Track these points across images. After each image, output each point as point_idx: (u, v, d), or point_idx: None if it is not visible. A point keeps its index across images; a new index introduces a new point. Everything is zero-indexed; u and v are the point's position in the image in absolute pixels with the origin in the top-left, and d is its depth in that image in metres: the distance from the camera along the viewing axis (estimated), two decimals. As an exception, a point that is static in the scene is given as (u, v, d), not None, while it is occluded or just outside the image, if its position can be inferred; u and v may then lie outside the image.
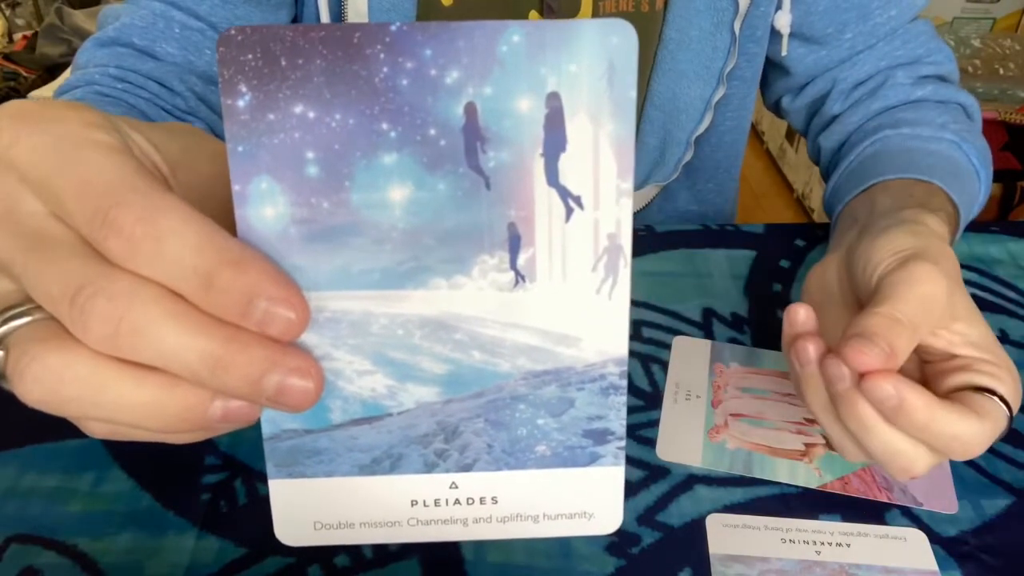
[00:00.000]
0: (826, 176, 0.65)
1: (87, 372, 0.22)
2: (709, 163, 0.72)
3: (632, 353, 0.48)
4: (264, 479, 0.42)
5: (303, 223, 0.23)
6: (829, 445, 0.44)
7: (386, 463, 0.27)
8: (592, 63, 0.22)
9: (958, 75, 0.66)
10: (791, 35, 0.64)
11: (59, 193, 0.22)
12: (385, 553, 0.39)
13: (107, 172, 0.22)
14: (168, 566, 0.38)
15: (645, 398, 0.48)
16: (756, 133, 2.44)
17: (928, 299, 0.36)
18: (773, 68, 0.69)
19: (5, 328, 0.24)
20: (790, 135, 2.24)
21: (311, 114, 0.22)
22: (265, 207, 0.23)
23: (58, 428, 0.44)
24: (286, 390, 0.23)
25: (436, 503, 0.27)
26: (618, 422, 0.27)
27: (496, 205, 0.24)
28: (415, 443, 0.26)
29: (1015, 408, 0.36)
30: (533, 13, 0.60)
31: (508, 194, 0.24)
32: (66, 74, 1.29)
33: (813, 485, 0.43)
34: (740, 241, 0.61)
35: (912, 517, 0.41)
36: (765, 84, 0.71)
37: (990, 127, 1.60)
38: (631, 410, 0.46)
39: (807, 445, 0.44)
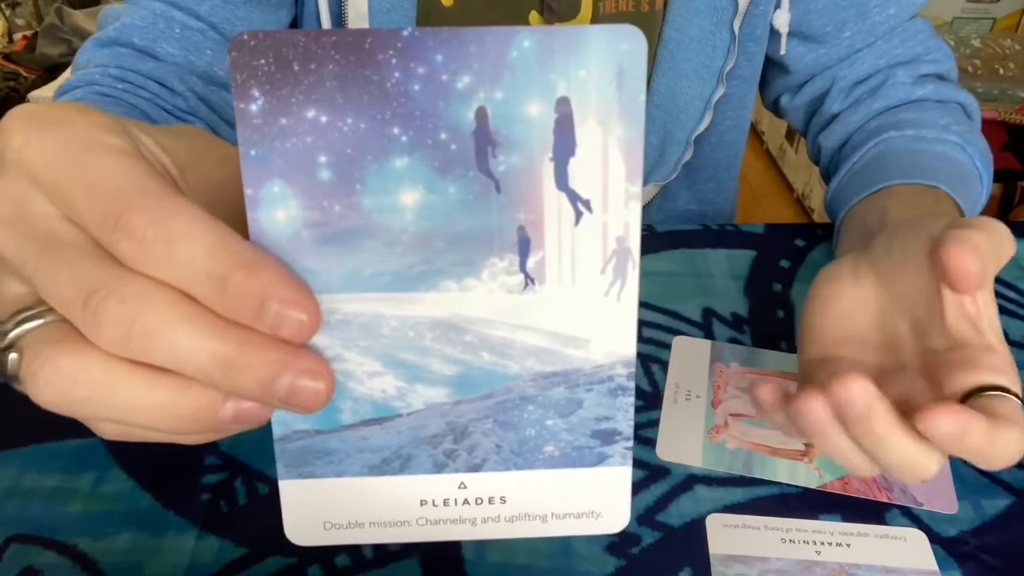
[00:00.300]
0: (827, 176, 0.65)
1: (100, 374, 0.22)
2: (709, 163, 0.72)
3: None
4: (264, 479, 0.42)
5: (315, 226, 0.23)
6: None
7: (396, 463, 0.27)
8: (601, 68, 0.23)
9: (956, 73, 0.66)
10: (790, 34, 0.64)
11: (70, 196, 0.22)
12: (385, 553, 0.39)
13: (118, 175, 0.22)
14: (168, 566, 0.38)
15: (645, 398, 0.48)
16: (756, 133, 2.44)
17: (998, 240, 0.35)
18: (772, 67, 0.69)
19: (18, 330, 0.24)
20: (790, 135, 2.24)
21: (323, 118, 0.23)
22: (277, 210, 0.23)
23: (58, 428, 0.44)
24: (298, 392, 0.23)
25: (445, 503, 0.28)
26: (626, 423, 0.27)
27: (506, 208, 0.24)
28: (424, 443, 0.27)
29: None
30: (533, 14, 0.60)
31: (518, 197, 0.24)
32: (66, 74, 1.29)
33: (813, 485, 0.43)
34: (740, 241, 0.62)
35: (912, 517, 0.41)
36: (764, 83, 0.71)
37: (990, 127, 1.60)
38: (631, 410, 0.46)
39: (807, 445, 0.45)
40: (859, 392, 0.32)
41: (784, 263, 0.59)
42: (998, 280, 0.58)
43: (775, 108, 0.73)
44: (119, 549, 0.39)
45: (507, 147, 0.23)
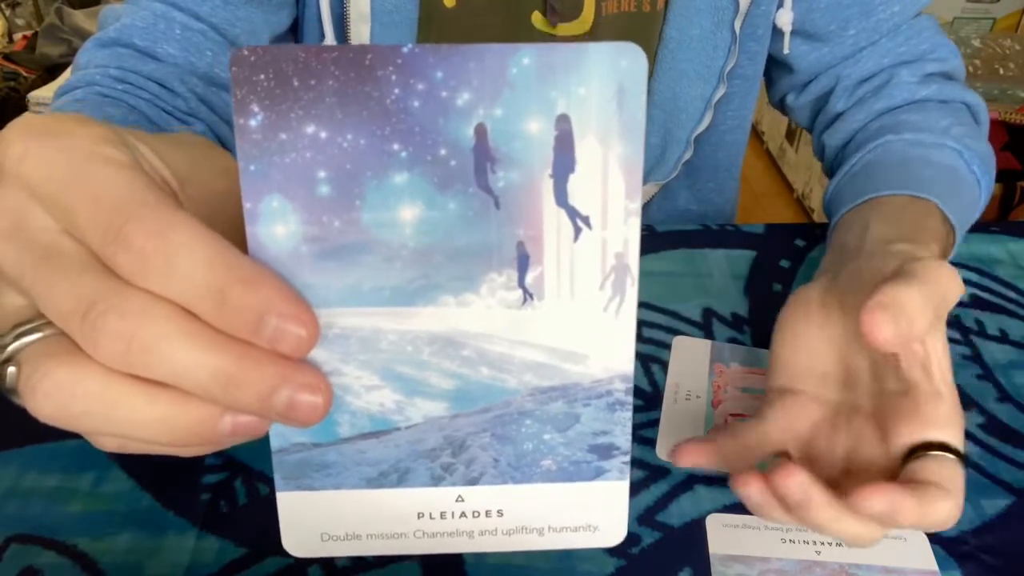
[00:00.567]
0: (829, 174, 0.65)
1: (98, 388, 0.22)
2: (709, 163, 0.72)
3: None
4: (264, 479, 0.42)
5: (314, 241, 0.23)
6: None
7: (393, 476, 0.27)
8: (602, 86, 0.23)
9: (963, 70, 0.65)
10: (793, 32, 0.63)
11: (69, 208, 0.22)
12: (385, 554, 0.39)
13: (117, 187, 0.22)
14: (168, 566, 0.38)
15: (645, 398, 0.48)
16: (756, 133, 2.44)
17: (937, 286, 0.35)
18: (777, 66, 0.69)
19: (16, 344, 0.24)
20: (790, 135, 2.24)
21: (323, 134, 0.23)
22: (276, 225, 0.23)
23: (58, 428, 0.44)
24: (296, 406, 0.23)
25: (442, 516, 0.28)
26: (624, 437, 0.27)
27: (505, 224, 0.24)
28: (422, 457, 0.27)
29: (963, 450, 0.35)
30: (536, 14, 0.60)
31: (517, 214, 0.24)
32: (66, 74, 1.29)
33: (813, 485, 0.43)
34: (740, 241, 0.62)
35: (912, 518, 0.41)
36: (769, 82, 0.71)
37: (990, 127, 1.59)
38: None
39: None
40: (796, 486, 0.33)
41: (784, 263, 0.59)
42: (998, 279, 0.58)
43: (781, 107, 0.72)
44: (119, 549, 0.39)
45: (507, 163, 0.23)
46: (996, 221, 0.72)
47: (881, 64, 0.64)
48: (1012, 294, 0.57)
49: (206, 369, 0.22)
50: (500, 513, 0.28)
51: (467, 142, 0.23)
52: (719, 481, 0.43)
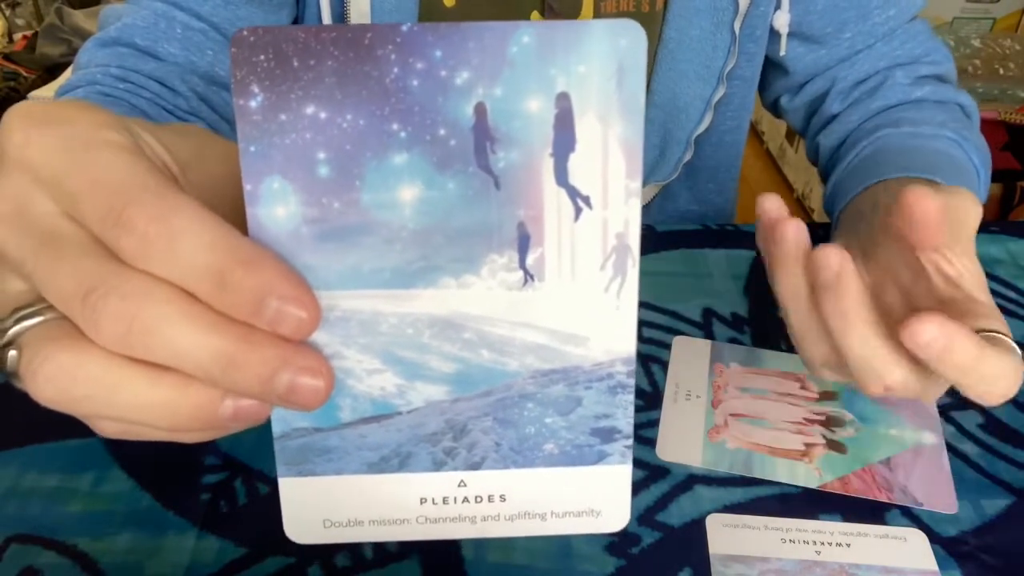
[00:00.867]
0: (825, 176, 0.65)
1: (99, 371, 0.22)
2: (709, 163, 0.72)
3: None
4: (264, 479, 0.42)
5: (314, 223, 0.23)
6: (829, 445, 0.45)
7: (395, 461, 0.27)
8: (601, 64, 0.22)
9: (956, 74, 0.66)
10: (790, 34, 0.64)
11: (71, 193, 0.23)
12: (385, 553, 0.39)
13: (119, 171, 0.23)
14: (168, 566, 0.38)
15: (645, 398, 0.48)
16: (756, 133, 2.44)
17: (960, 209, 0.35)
18: (772, 67, 0.69)
19: (18, 328, 0.24)
20: (790, 135, 2.24)
21: (322, 115, 0.23)
22: (276, 207, 0.23)
23: (58, 428, 0.44)
24: (297, 389, 0.23)
25: (444, 501, 0.28)
26: (625, 421, 0.27)
27: (505, 205, 0.24)
28: (424, 441, 0.27)
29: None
30: (535, 14, 0.60)
31: (517, 194, 0.24)
32: (66, 74, 1.29)
33: (813, 485, 0.43)
34: (740, 241, 0.62)
35: (912, 517, 0.41)
36: (763, 84, 0.71)
37: (990, 127, 1.59)
38: (631, 410, 0.46)
39: (807, 445, 0.45)
40: (836, 258, 0.31)
41: (784, 263, 0.59)
42: (997, 279, 0.58)
43: (774, 109, 0.73)
44: (119, 549, 0.39)
45: (506, 143, 0.23)
46: (996, 221, 0.72)
47: (876, 67, 0.64)
48: (1012, 294, 0.57)
49: (206, 351, 0.22)
50: (503, 498, 0.28)
51: (467, 121, 0.23)
52: (719, 481, 0.43)
